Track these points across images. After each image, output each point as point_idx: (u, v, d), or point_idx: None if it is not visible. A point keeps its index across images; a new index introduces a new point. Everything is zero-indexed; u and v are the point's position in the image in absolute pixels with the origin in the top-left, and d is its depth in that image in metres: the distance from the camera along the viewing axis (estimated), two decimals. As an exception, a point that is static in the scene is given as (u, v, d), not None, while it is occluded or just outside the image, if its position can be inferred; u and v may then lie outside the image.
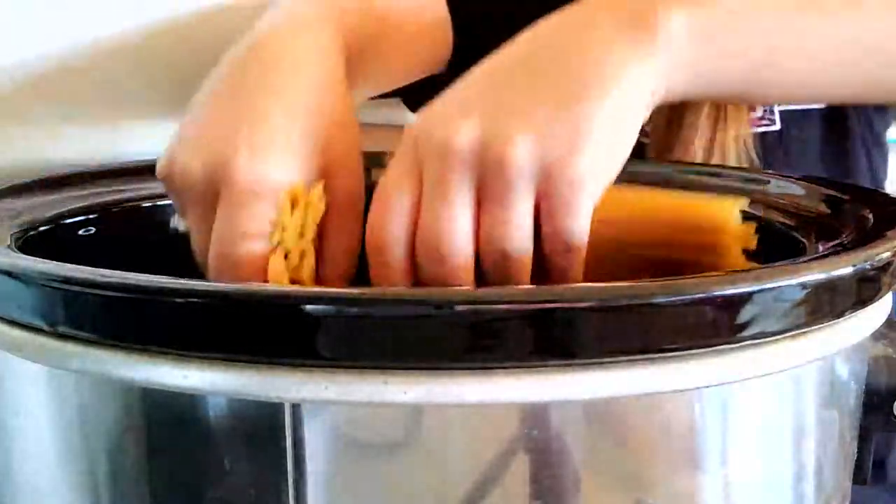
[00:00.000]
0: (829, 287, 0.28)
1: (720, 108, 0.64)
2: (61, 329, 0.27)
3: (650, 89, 0.34)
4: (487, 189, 0.31)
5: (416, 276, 0.32)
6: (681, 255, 0.36)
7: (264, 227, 0.33)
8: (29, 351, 0.29)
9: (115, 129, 0.60)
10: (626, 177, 0.50)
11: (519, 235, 0.31)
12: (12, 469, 0.32)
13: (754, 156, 0.66)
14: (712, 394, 0.28)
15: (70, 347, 0.27)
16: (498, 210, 0.31)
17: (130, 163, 0.53)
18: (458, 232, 0.31)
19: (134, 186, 0.48)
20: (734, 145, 0.64)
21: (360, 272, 0.52)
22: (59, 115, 0.56)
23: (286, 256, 0.33)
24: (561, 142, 0.31)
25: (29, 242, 0.37)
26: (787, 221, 0.40)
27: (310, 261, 0.34)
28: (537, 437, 0.27)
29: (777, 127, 0.68)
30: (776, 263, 0.28)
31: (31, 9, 0.54)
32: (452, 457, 0.27)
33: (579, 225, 0.31)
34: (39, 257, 0.30)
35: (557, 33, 0.35)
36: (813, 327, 0.28)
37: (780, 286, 0.27)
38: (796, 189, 0.44)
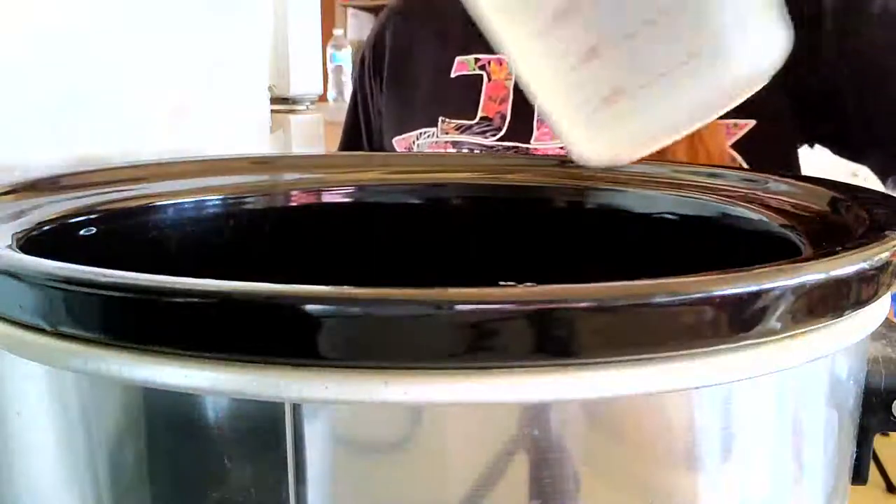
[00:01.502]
0: (829, 287, 0.28)
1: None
2: (62, 329, 0.27)
3: None
4: None
5: None
6: None
7: None
8: (30, 351, 0.29)
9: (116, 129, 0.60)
10: (626, 177, 0.50)
11: None
12: (13, 469, 0.32)
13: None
14: (712, 394, 0.28)
15: (71, 347, 0.27)
16: None
17: (130, 163, 0.53)
18: None
19: (134, 186, 0.48)
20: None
21: (361, 272, 0.52)
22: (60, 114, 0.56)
23: None
24: None
25: (30, 242, 0.37)
26: (787, 221, 0.40)
27: None
28: (537, 437, 0.27)
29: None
30: (776, 263, 0.28)
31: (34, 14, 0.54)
32: (452, 457, 0.27)
33: None
34: (41, 257, 0.30)
35: None
36: (812, 327, 0.28)
37: (779, 286, 0.27)
38: (795, 189, 0.44)
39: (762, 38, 0.34)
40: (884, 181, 0.70)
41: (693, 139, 0.64)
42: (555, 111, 0.34)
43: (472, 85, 0.72)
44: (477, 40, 0.73)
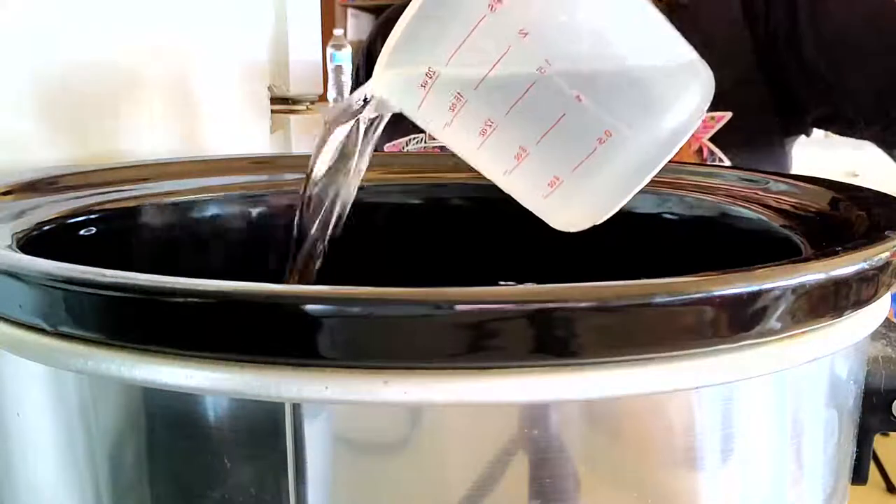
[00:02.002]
0: (829, 287, 0.28)
1: None
2: (62, 329, 0.27)
3: None
4: None
5: None
6: None
7: None
8: (30, 351, 0.29)
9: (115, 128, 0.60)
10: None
11: None
12: (12, 469, 0.32)
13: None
14: (712, 394, 0.28)
15: (71, 347, 0.27)
16: None
17: (130, 163, 0.53)
18: None
19: (134, 186, 0.48)
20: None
21: (360, 272, 0.52)
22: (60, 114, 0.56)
23: None
24: None
25: (30, 242, 0.37)
26: (786, 221, 0.40)
27: None
28: (537, 437, 0.27)
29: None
30: (775, 263, 0.28)
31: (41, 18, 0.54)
32: (452, 457, 0.27)
33: None
34: (41, 257, 0.30)
35: None
36: (812, 327, 0.28)
37: (779, 286, 0.27)
38: (795, 189, 0.44)
39: (677, 94, 0.35)
40: (891, 154, 0.70)
41: None
42: (516, 196, 0.37)
43: None
44: None
